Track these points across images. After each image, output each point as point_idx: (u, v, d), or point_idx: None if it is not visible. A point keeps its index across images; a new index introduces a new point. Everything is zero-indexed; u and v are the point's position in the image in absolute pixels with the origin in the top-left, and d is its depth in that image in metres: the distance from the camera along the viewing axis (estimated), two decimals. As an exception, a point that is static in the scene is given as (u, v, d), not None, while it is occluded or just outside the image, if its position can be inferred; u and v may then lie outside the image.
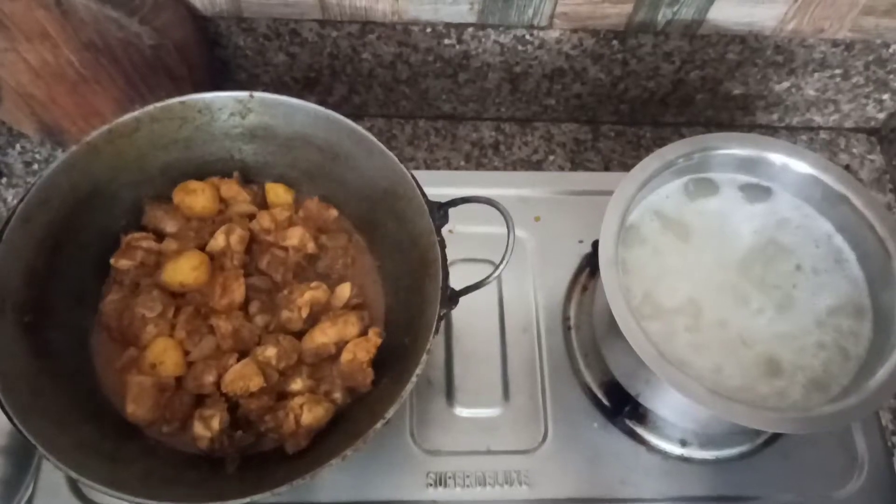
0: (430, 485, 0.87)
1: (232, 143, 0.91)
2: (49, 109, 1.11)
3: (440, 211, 0.80)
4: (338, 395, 0.80)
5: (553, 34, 1.10)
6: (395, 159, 0.83)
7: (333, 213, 0.91)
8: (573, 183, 1.08)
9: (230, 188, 0.88)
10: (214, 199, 0.87)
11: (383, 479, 0.87)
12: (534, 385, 0.94)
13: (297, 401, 0.77)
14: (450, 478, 0.88)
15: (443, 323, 0.76)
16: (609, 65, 1.16)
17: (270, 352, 0.77)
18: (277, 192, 0.90)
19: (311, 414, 0.76)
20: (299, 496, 0.85)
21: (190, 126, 0.87)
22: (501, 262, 0.75)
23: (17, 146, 1.21)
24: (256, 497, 0.66)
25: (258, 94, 0.85)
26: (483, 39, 1.11)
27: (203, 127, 0.88)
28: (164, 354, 0.77)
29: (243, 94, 0.85)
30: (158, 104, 0.83)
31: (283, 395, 0.80)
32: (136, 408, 0.77)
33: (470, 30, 1.09)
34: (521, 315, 0.99)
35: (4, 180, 1.17)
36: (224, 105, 0.86)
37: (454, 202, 0.79)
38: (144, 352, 0.79)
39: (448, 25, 1.09)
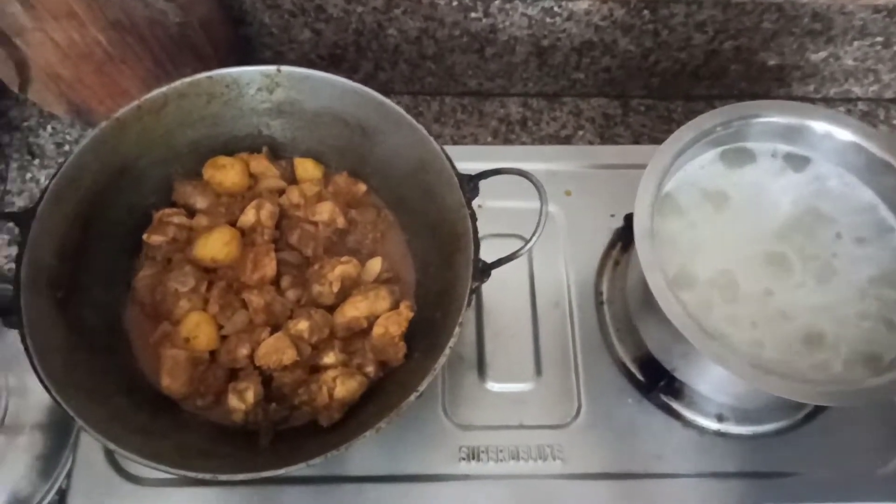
0: (463, 459, 0.87)
1: (259, 119, 0.91)
2: (76, 89, 1.12)
3: (470, 183, 0.79)
4: (370, 369, 0.80)
5: (582, 5, 1.08)
6: (425, 132, 0.82)
7: (362, 188, 0.91)
8: (604, 156, 1.07)
9: (259, 163, 0.88)
10: (244, 174, 0.87)
11: (416, 453, 0.87)
12: (566, 360, 0.93)
13: (330, 374, 0.77)
14: (482, 452, 0.88)
15: (474, 298, 0.75)
16: (639, 36, 1.14)
17: (303, 325, 0.77)
18: (306, 168, 0.90)
19: (344, 387, 0.76)
20: (332, 469, 0.86)
21: (217, 102, 0.87)
22: (534, 234, 0.74)
23: (49, 127, 1.22)
24: (291, 469, 0.66)
25: (285, 68, 0.85)
26: (510, 12, 1.09)
27: (231, 103, 0.88)
28: (198, 329, 0.78)
29: (270, 69, 0.85)
30: (186, 80, 0.84)
31: (315, 369, 0.80)
32: (171, 381, 0.77)
33: (497, 2, 1.08)
34: (552, 290, 0.98)
35: (37, 161, 1.18)
36: (251, 80, 0.86)
37: (484, 174, 0.79)
38: (178, 326, 0.79)
39: (478, -4, 1.07)
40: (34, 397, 0.88)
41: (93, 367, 0.76)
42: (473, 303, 0.95)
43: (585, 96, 1.30)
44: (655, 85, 1.28)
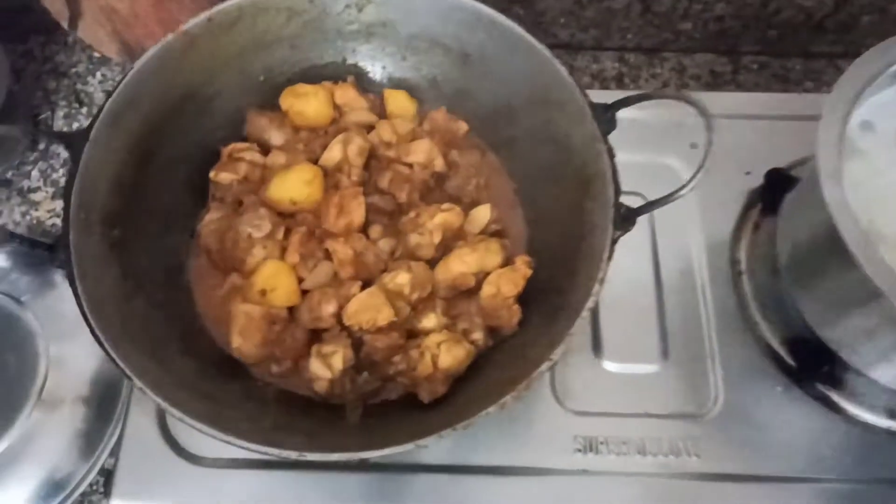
0: (579, 450, 0.73)
1: (345, 44, 0.78)
2: (131, 26, 1.00)
3: (607, 114, 0.65)
4: (477, 336, 0.66)
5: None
6: (548, 54, 0.68)
7: (463, 126, 0.77)
8: (738, 105, 0.91)
9: (346, 93, 0.75)
10: (328, 104, 0.74)
11: (523, 443, 0.73)
12: (698, 339, 0.79)
13: (434, 338, 0.63)
14: (602, 443, 0.73)
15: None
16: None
17: (402, 278, 0.64)
18: (399, 101, 0.77)
19: (450, 355, 0.63)
20: (417, 456, 0.72)
21: (298, 21, 0.74)
22: (698, 171, 0.59)
23: (98, 74, 1.10)
24: (395, 450, 0.53)
25: (382, -21, 0.72)
26: None
27: (313, 23, 0.75)
28: (276, 279, 0.65)
29: (364, -20, 0.72)
30: (266, -11, 0.71)
31: (413, 334, 0.66)
32: (243, 342, 0.65)
33: None
34: (678, 257, 0.83)
35: (84, 110, 1.07)
36: (340, -6, 0.73)
37: (627, 101, 0.64)
38: (251, 278, 0.67)
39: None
40: (76, 366, 0.76)
41: (151, 321, 0.64)
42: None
43: (689, 51, 1.14)
44: (772, 39, 1.11)
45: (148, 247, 0.68)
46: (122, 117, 0.66)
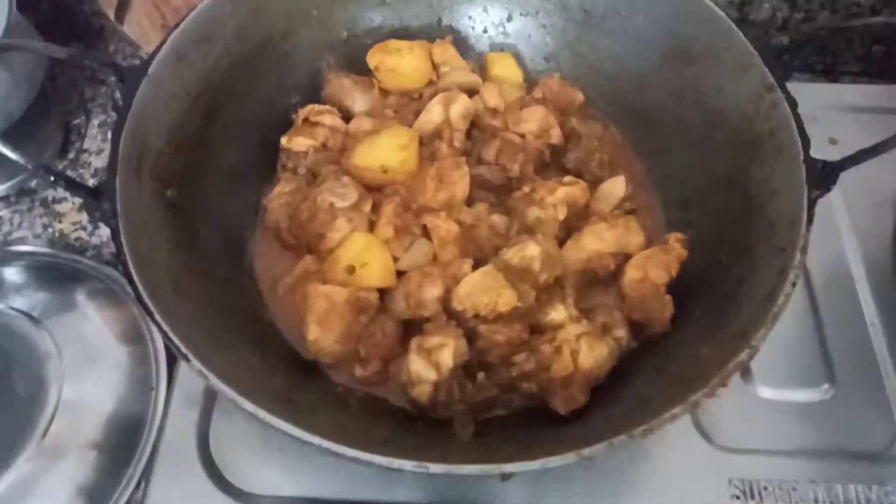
0: (737, 497, 0.57)
1: (440, 0, 0.67)
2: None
3: (781, 59, 0.52)
4: (621, 333, 0.51)
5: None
6: (700, -4, 0.57)
7: (579, 96, 0.65)
8: (879, 98, 0.79)
9: (445, 50, 0.64)
10: (425, 60, 0.63)
11: (660, 488, 0.57)
12: (869, 358, 0.65)
13: (573, 329, 0.49)
14: (765, 489, 0.57)
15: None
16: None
17: (532, 250, 0.50)
18: (506, 65, 0.65)
19: (592, 353, 0.48)
20: (532, 494, 0.56)
21: (392, -31, 0.64)
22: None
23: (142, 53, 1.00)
24: (552, 461, 0.38)
25: (493, -82, 0.61)
26: None
27: (409, -27, 0.64)
28: (368, 253, 0.52)
29: (472, -81, 0.62)
30: (360, -74, 0.61)
31: (536, 331, 0.52)
32: (322, 333, 0.50)
33: None
34: (829, 263, 0.70)
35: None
36: (442, -62, 0.63)
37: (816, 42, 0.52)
38: (335, 253, 0.53)
39: None
40: (92, 402, 0.61)
41: (209, 302, 0.51)
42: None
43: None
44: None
45: (208, 215, 0.56)
46: (187, 56, 0.55)
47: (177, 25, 0.54)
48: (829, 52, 0.98)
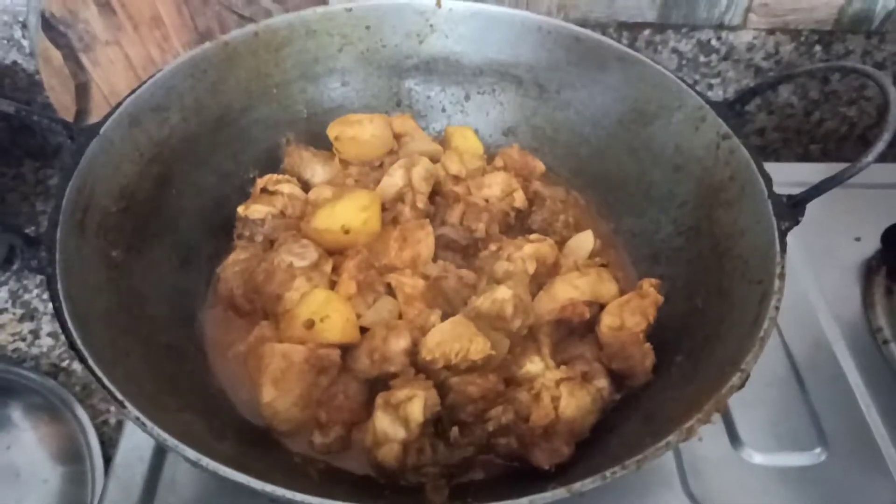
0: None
1: (400, 81, 0.69)
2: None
3: (734, 108, 0.54)
4: (602, 384, 0.48)
5: (746, 37, 0.89)
6: (647, 60, 0.60)
7: (540, 165, 0.66)
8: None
9: (405, 122, 0.65)
10: (386, 128, 0.63)
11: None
12: (858, 417, 0.63)
13: (551, 376, 0.45)
14: (767, 564, 0.52)
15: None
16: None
17: (503, 293, 0.47)
18: (466, 136, 0.66)
19: (574, 401, 0.45)
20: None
21: (352, 51, 0.66)
22: (878, 140, 0.47)
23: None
24: None
25: (448, 2, 0.65)
26: (659, 47, 0.90)
27: (368, 55, 0.67)
28: (329, 307, 0.48)
29: (428, 3, 0.65)
30: (319, 9, 0.63)
31: (512, 384, 0.48)
32: (277, 395, 0.46)
33: (646, 33, 0.89)
34: (803, 327, 0.70)
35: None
36: (400, 21, 0.66)
37: (758, 88, 0.54)
38: (293, 311, 0.50)
39: (622, 26, 0.88)
40: None
41: (152, 365, 0.46)
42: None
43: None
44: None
45: (155, 281, 0.52)
46: (141, 122, 0.54)
47: (134, 91, 0.53)
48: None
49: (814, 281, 0.73)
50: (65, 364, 0.72)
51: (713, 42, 0.90)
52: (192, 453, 0.34)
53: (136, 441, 0.54)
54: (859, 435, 0.61)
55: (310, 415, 0.47)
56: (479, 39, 0.66)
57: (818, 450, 0.60)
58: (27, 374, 0.68)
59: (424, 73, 0.69)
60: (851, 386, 0.64)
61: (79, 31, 0.81)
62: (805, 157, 1.06)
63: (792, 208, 0.47)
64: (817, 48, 0.91)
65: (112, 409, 0.68)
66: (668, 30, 0.88)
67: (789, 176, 0.80)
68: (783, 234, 0.46)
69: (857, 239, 0.77)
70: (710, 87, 0.94)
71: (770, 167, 0.54)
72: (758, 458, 0.59)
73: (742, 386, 0.39)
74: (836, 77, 0.95)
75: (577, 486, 0.34)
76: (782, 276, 0.44)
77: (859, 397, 0.63)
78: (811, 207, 0.76)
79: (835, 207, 0.79)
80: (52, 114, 0.73)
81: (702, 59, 0.92)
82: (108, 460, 0.64)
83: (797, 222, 0.47)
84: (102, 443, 0.66)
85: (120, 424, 0.59)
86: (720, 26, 0.87)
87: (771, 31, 0.90)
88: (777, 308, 0.43)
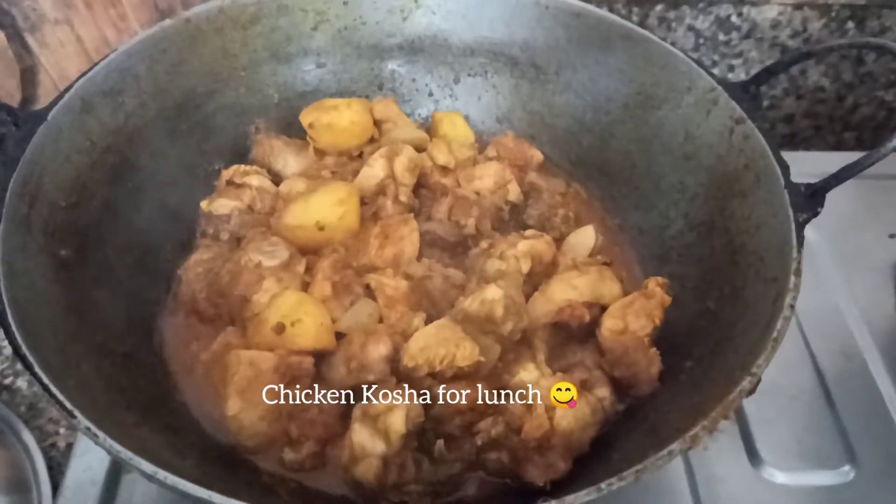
0: None
1: (382, 63, 0.70)
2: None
3: (748, 90, 0.56)
4: (603, 393, 0.50)
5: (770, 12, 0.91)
6: (655, 38, 0.61)
7: (538, 154, 0.67)
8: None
9: (387, 107, 0.66)
10: (366, 114, 0.64)
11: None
12: (892, 435, 0.64)
13: (546, 384, 0.47)
14: (796, 592, 0.53)
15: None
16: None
17: (493, 293, 0.49)
18: (455, 123, 0.68)
19: (571, 413, 0.46)
20: None
21: (328, 29, 0.68)
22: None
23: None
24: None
25: (434, -25, 0.67)
26: (674, 24, 0.91)
27: (346, 33, 0.68)
28: (301, 309, 0.50)
29: (412, -24, 0.67)
30: (292, -16, 0.65)
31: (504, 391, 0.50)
32: (243, 407, 0.47)
33: (659, 8, 0.90)
34: (832, 335, 0.72)
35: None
36: (380, -3, 0.67)
37: (776, 67, 0.56)
38: (261, 314, 0.51)
39: (631, 1, 0.90)
40: None
41: (106, 376, 0.47)
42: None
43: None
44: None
45: (109, 285, 0.54)
46: (94, 107, 0.55)
47: (85, 73, 0.55)
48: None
49: (843, 283, 0.75)
50: (8, 381, 0.73)
51: (734, 18, 0.91)
52: (148, 466, 0.36)
53: (88, 461, 0.55)
54: (891, 452, 0.63)
55: (279, 429, 0.48)
56: (470, 15, 0.68)
57: (846, 468, 0.62)
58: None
59: (409, 54, 0.70)
60: (884, 398, 0.66)
61: (24, 9, 0.82)
62: (839, 146, 1.08)
63: (810, 198, 0.49)
64: (850, 24, 0.92)
65: (61, 430, 0.69)
66: (682, 5, 0.90)
67: (819, 166, 0.82)
68: (801, 227, 0.48)
69: (892, 236, 0.79)
70: (731, 68, 0.96)
71: (799, 156, 0.55)
72: (780, 478, 0.61)
73: (753, 391, 0.41)
74: (871, 57, 0.97)
75: (569, 498, 0.35)
76: (798, 272, 0.46)
77: (892, 411, 0.65)
78: (840, 202, 0.78)
79: (866, 201, 0.81)
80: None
81: (721, 37, 0.94)
82: (56, 488, 0.64)
83: (816, 213, 0.49)
84: (50, 468, 0.66)
85: (70, 447, 0.61)
86: (741, 1, 0.89)
87: (798, 6, 0.91)
88: (792, 307, 0.44)
